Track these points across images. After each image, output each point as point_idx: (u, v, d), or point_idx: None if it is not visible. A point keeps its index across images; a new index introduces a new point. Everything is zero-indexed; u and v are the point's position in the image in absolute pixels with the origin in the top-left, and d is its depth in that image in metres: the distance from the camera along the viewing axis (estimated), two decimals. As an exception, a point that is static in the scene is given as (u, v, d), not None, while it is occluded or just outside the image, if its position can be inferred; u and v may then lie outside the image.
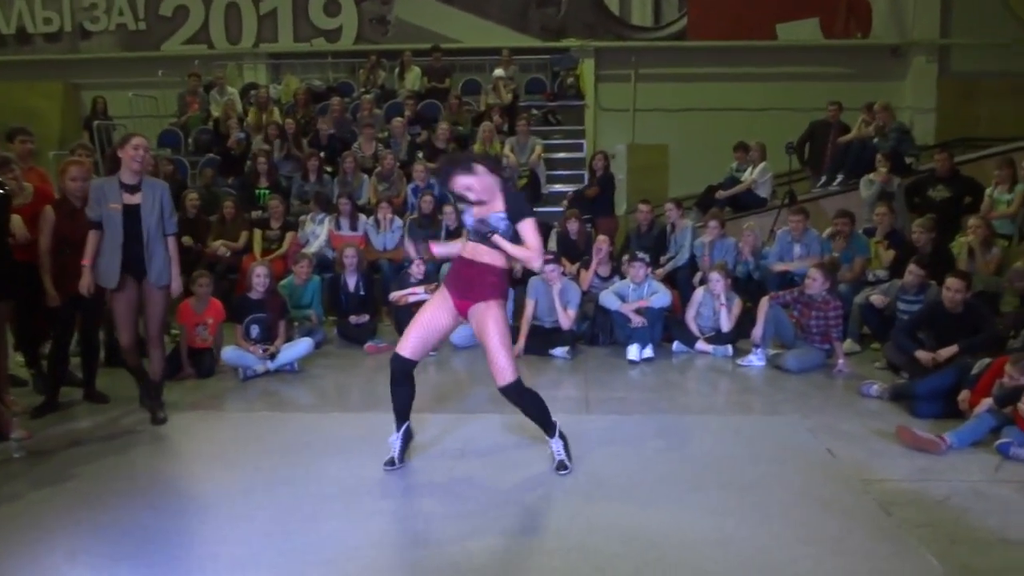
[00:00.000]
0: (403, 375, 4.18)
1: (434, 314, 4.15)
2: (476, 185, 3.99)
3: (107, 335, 6.23)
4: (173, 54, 14.55)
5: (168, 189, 5.21)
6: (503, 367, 4.01)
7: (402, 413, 4.29)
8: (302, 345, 6.62)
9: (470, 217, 4.07)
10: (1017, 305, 6.42)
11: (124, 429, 5.10)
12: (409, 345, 4.12)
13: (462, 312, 4.13)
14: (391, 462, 4.27)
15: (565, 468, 4.18)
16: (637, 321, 6.90)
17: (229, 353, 6.33)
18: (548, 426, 4.26)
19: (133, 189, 4.96)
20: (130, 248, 4.95)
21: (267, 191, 9.78)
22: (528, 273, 7.61)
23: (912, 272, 6.56)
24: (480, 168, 4.01)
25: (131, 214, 4.95)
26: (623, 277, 7.44)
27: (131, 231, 4.94)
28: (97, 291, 5.09)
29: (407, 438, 4.34)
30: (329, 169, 10.43)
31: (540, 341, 7.04)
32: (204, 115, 12.45)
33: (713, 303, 7.13)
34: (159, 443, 4.86)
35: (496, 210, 4.01)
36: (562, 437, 4.28)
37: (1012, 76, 13.31)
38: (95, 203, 4.91)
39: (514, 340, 6.93)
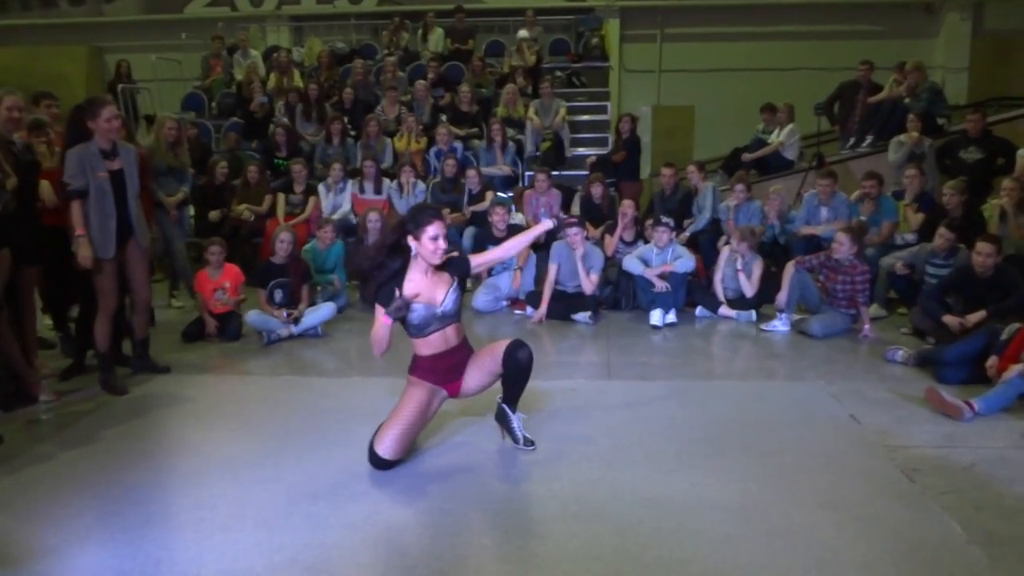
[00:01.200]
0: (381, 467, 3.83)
1: (422, 414, 3.90)
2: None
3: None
4: (196, 17, 14.57)
5: (133, 150, 5.24)
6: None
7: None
8: (325, 310, 6.65)
9: (421, 307, 3.81)
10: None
11: (150, 392, 5.18)
12: (394, 447, 3.79)
13: (455, 392, 4.03)
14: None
15: (532, 444, 4.06)
16: (660, 286, 6.86)
17: (253, 317, 6.39)
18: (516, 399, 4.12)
19: (111, 155, 4.98)
20: (119, 214, 5.00)
21: (285, 161, 9.79)
22: (551, 238, 7.59)
23: (942, 235, 6.46)
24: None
25: (116, 180, 4.98)
26: (647, 241, 7.39)
27: (118, 197, 4.99)
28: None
29: None
30: (353, 132, 10.41)
31: (563, 306, 7.02)
32: (227, 78, 12.46)
33: (733, 267, 7.06)
34: (184, 405, 4.91)
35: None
36: None
37: (1046, 34, 13.01)
38: (78, 173, 4.85)
39: (536, 304, 7.01)
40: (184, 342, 6.41)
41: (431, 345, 3.92)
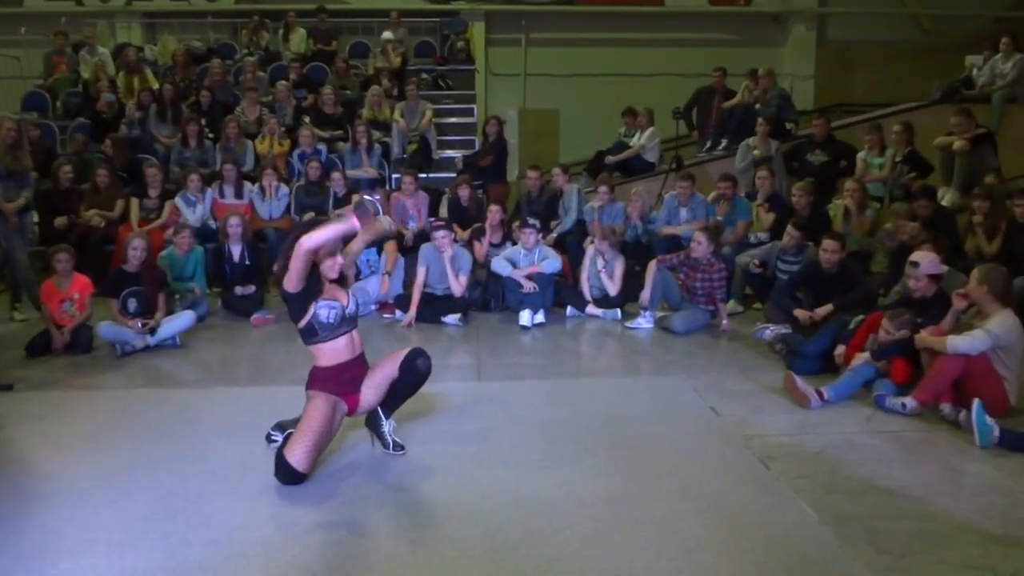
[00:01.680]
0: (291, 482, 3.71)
1: (328, 424, 3.78)
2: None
3: None
4: (37, 11, 13.67)
5: None
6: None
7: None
8: (184, 318, 6.38)
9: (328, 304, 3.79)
10: (887, 265, 6.74)
11: (-10, 412, 4.81)
12: (305, 460, 3.67)
13: (354, 408, 3.95)
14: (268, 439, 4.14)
15: (402, 448, 4.04)
16: (528, 287, 6.93)
17: (105, 328, 6.04)
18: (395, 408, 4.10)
19: None
20: None
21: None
22: (420, 240, 7.56)
23: (789, 234, 6.81)
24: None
25: None
26: (515, 243, 7.44)
27: None
28: None
29: None
30: (211, 135, 10.02)
31: (432, 308, 6.99)
32: (73, 77, 11.72)
33: (595, 267, 7.22)
34: (27, 424, 4.58)
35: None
36: None
37: (886, 44, 13.95)
38: None
39: (406, 308, 6.95)
40: (28, 356, 6.00)
41: (337, 352, 3.84)
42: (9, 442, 4.36)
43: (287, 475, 3.66)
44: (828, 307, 6.03)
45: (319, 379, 3.88)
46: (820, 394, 4.71)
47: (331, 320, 3.79)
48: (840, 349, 5.28)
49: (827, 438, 4.23)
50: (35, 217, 8.04)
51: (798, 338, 5.73)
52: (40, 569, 2.96)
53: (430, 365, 3.96)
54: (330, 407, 3.82)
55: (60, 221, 8.22)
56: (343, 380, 3.89)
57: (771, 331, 5.98)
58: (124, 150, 9.44)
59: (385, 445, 4.02)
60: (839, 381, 4.87)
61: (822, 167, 8.53)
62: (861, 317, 5.40)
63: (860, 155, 8.25)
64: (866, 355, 4.99)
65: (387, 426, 4.04)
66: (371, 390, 3.97)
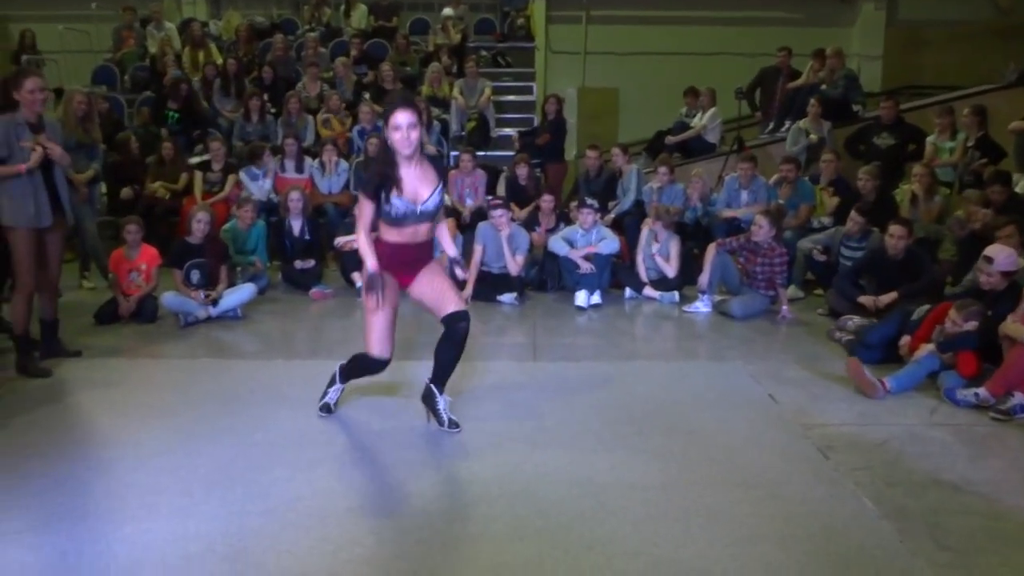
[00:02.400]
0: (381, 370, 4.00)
1: (389, 305, 3.86)
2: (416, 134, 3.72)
3: None
4: (107, -14, 13.93)
5: (59, 125, 5.15)
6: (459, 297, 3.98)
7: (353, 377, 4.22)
8: (245, 290, 6.49)
9: (401, 202, 3.75)
10: (955, 253, 6.54)
11: (59, 376, 4.96)
12: (384, 346, 3.87)
13: (406, 286, 3.98)
14: (327, 408, 4.26)
15: (458, 426, 4.07)
16: (585, 267, 6.89)
17: (169, 299, 6.18)
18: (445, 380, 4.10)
19: (37, 128, 4.82)
20: (48, 188, 4.88)
21: (176, 114, 9.59)
22: (476, 218, 7.57)
23: (853, 219, 6.66)
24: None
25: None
26: (570, 223, 7.40)
27: (45, 171, 4.85)
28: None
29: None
30: (273, 110, 10.14)
31: (488, 287, 7.00)
32: (141, 51, 11.97)
33: (651, 248, 7.14)
34: (96, 390, 4.72)
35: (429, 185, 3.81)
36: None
37: (957, 24, 13.46)
38: (2, 143, 4.68)
39: (462, 286, 6.96)
40: (97, 324, 6.17)
41: (401, 235, 3.84)
42: (76, 408, 4.50)
43: (373, 365, 3.94)
44: (893, 295, 5.89)
45: (376, 250, 3.86)
46: (882, 384, 4.61)
47: (397, 215, 3.78)
48: (905, 339, 5.14)
49: (889, 429, 4.14)
50: (103, 188, 8.23)
51: (867, 326, 5.60)
52: (104, 532, 3.05)
53: (468, 330, 3.91)
54: (390, 292, 3.87)
55: (126, 192, 8.43)
56: (397, 261, 3.88)
57: (854, 323, 5.82)
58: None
59: (440, 422, 4.04)
60: (902, 372, 4.75)
61: (889, 151, 8.29)
62: (927, 307, 5.26)
63: (930, 139, 8.00)
64: (931, 346, 4.86)
65: (442, 403, 4.06)
66: (425, 288, 3.93)
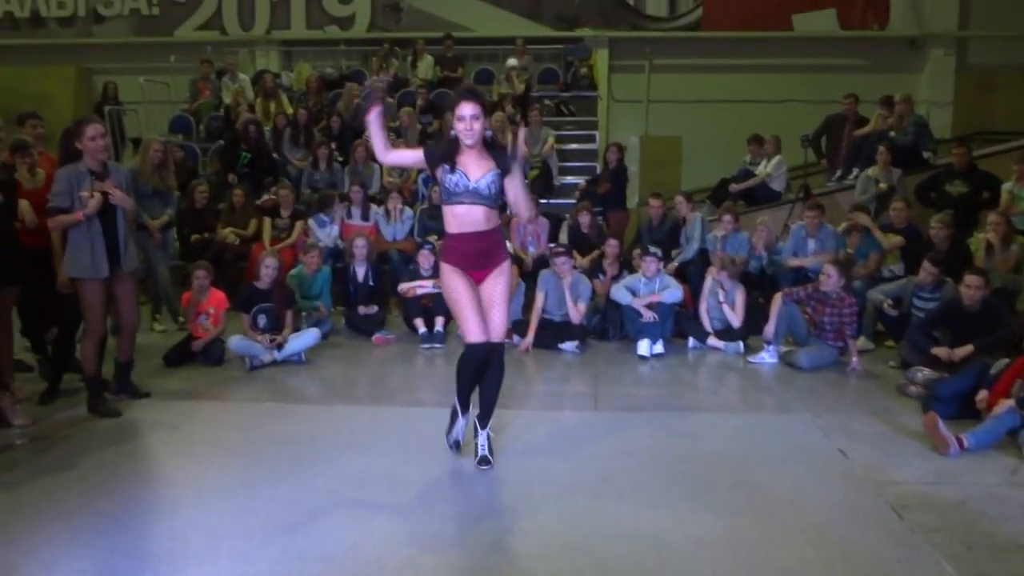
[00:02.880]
0: (486, 358, 4.05)
1: (471, 290, 4.02)
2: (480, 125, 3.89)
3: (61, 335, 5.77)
4: (186, 40, 14.52)
5: (125, 171, 5.26)
6: (503, 324, 4.12)
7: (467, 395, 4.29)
8: (309, 335, 6.58)
9: (456, 175, 3.92)
10: (1035, 304, 6.32)
11: (128, 417, 5.06)
12: (478, 330, 3.97)
13: (480, 280, 4.08)
14: (457, 446, 4.33)
15: (488, 463, 4.14)
16: (648, 316, 6.82)
17: (236, 342, 6.30)
18: (490, 415, 4.22)
19: (101, 176, 4.93)
20: (108, 235, 4.94)
21: (248, 154, 9.81)
22: (539, 266, 7.57)
23: (926, 270, 6.47)
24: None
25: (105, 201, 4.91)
26: (633, 271, 7.35)
27: (107, 218, 4.93)
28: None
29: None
30: (340, 158, 10.37)
31: (549, 335, 6.97)
32: (216, 102, 12.40)
33: (716, 297, 7.04)
34: (163, 431, 4.81)
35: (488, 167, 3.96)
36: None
37: (1029, 69, 13.17)
38: (65, 192, 4.80)
39: (523, 333, 6.95)
40: (166, 366, 6.31)
41: (458, 218, 3.97)
42: (144, 448, 4.59)
43: (476, 352, 3.98)
44: (968, 347, 5.69)
45: (448, 249, 4.09)
46: (960, 441, 4.42)
47: (450, 186, 3.93)
48: (982, 394, 4.94)
49: (967, 489, 3.96)
50: (175, 234, 8.48)
51: (937, 379, 5.41)
52: (166, 573, 3.08)
53: (481, 357, 4.01)
54: (461, 277, 4.00)
55: (197, 238, 8.66)
56: (468, 254, 4.00)
57: (923, 375, 5.65)
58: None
59: (476, 455, 4.12)
60: (980, 428, 4.56)
61: (961, 198, 8.08)
62: (1006, 361, 5.06)
63: (1006, 186, 7.77)
64: (1011, 402, 4.66)
65: (481, 437, 4.16)
66: (483, 290, 4.05)
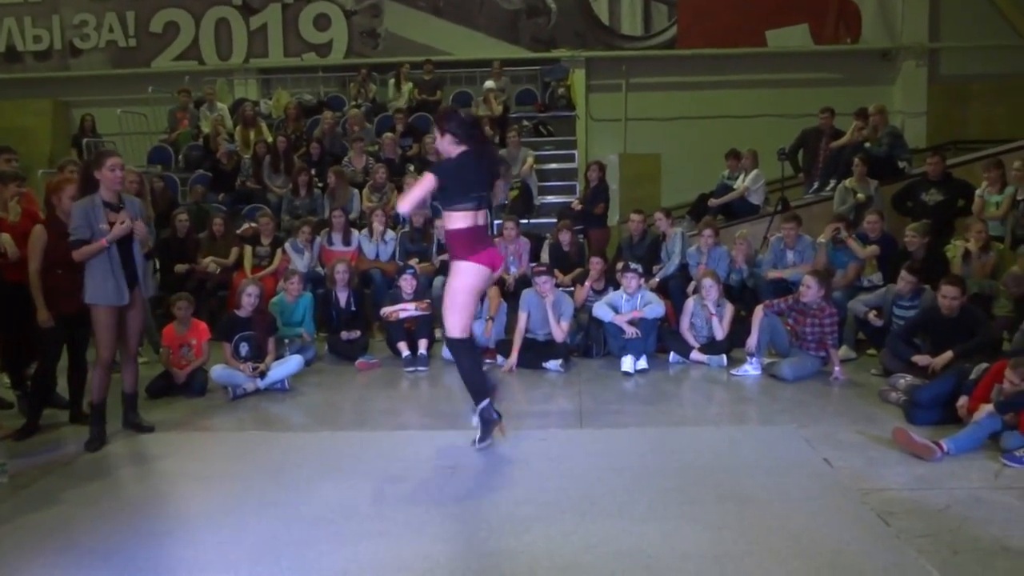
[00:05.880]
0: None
1: (471, 296, 4.68)
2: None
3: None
4: (163, 71, 14.54)
5: (139, 202, 5.36)
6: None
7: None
8: (292, 363, 6.54)
9: None
10: (1011, 309, 6.38)
11: (111, 451, 5.02)
12: (459, 327, 4.65)
13: (497, 265, 4.69)
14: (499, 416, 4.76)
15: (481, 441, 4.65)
16: (631, 332, 6.83)
17: (218, 371, 6.26)
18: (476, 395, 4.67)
19: (116, 207, 4.95)
20: (125, 264, 4.98)
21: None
22: (521, 285, 7.58)
23: (904, 279, 6.52)
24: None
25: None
26: (616, 288, 7.38)
27: (123, 248, 4.97)
28: (82, 311, 5.01)
29: None
30: (320, 184, 10.37)
31: (533, 354, 6.96)
32: (194, 131, 12.39)
33: (704, 312, 7.06)
34: (146, 464, 4.78)
35: None
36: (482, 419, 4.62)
37: (1001, 78, 13.37)
38: (84, 225, 4.83)
39: (507, 353, 6.95)
40: (148, 398, 6.25)
41: (464, 218, 4.50)
42: (126, 480, 4.56)
43: (452, 345, 4.64)
44: (948, 354, 5.73)
45: (456, 242, 4.55)
46: (939, 446, 4.45)
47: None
48: (962, 400, 4.99)
49: (952, 493, 3.99)
50: (156, 264, 8.43)
51: (917, 385, 5.45)
52: (153, 608, 3.04)
53: (451, 349, 4.80)
54: (472, 275, 4.52)
55: (180, 268, 8.62)
56: (477, 239, 4.54)
57: (905, 381, 5.68)
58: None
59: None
60: (962, 433, 4.59)
61: (937, 207, 8.18)
62: (985, 366, 5.10)
63: (978, 192, 7.88)
64: (990, 407, 4.70)
65: (472, 418, 4.70)
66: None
